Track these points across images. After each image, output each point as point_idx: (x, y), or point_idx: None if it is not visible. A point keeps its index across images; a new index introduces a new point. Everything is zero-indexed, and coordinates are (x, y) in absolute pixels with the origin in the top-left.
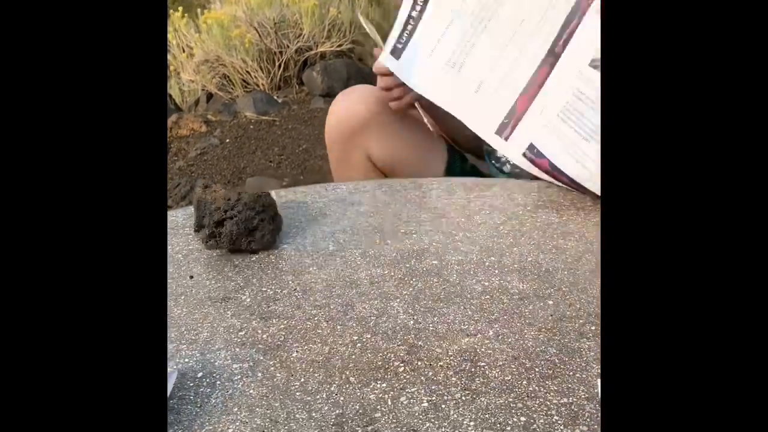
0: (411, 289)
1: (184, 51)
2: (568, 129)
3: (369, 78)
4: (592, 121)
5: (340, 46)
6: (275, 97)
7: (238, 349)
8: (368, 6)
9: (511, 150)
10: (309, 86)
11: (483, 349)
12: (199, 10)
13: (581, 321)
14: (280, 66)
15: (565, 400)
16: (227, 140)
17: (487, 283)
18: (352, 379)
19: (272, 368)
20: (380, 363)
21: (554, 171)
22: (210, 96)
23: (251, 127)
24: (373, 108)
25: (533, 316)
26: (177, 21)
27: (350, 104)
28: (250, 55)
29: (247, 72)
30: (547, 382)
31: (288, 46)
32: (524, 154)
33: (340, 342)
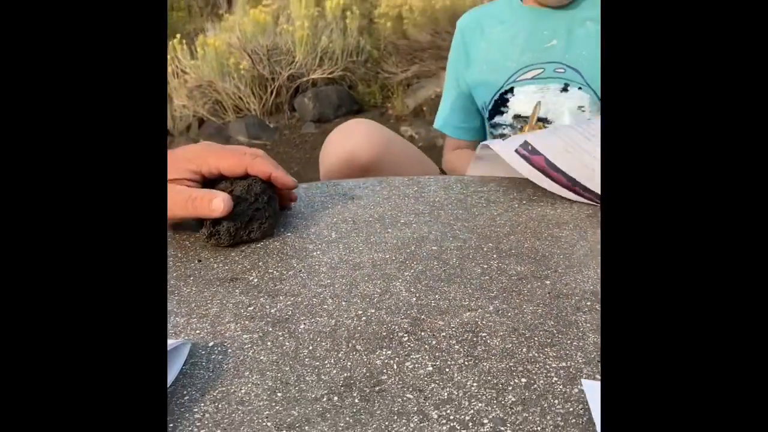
0: (412, 271)
1: (177, 77)
2: (569, 129)
3: (359, 104)
4: (595, 124)
5: (331, 73)
6: (267, 123)
7: (247, 322)
8: (359, 36)
9: (503, 147)
10: (300, 112)
11: (484, 322)
12: (194, 37)
13: (577, 298)
14: (272, 92)
15: (564, 364)
16: None
17: (486, 266)
18: (358, 347)
19: (281, 338)
20: (385, 334)
21: (551, 169)
22: (201, 121)
23: None
24: (376, 149)
25: (531, 293)
26: (175, 46)
27: (353, 145)
28: (243, 81)
29: (240, 98)
30: (546, 350)
31: (280, 73)
32: (517, 151)
33: (345, 316)
